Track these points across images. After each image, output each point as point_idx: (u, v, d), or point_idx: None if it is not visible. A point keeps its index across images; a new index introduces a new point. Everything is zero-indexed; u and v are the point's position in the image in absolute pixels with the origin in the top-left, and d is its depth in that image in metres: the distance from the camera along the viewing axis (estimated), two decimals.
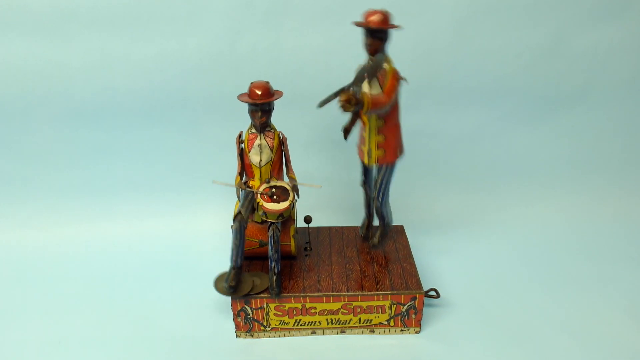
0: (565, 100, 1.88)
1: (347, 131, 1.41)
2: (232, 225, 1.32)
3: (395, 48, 1.50)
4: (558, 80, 1.85)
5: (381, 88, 1.26)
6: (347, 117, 1.36)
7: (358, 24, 1.24)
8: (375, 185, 1.42)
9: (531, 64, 1.81)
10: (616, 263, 1.68)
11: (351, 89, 1.20)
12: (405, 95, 1.76)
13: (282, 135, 1.39)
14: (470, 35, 1.76)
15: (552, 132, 1.93)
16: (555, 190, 1.98)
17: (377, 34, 1.23)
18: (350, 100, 1.16)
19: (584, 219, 1.91)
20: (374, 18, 1.21)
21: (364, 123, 1.35)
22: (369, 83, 1.28)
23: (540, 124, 1.92)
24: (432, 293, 1.47)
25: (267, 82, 1.31)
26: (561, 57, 1.81)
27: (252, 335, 1.40)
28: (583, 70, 1.83)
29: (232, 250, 1.33)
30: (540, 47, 1.79)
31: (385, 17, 1.22)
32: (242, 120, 1.39)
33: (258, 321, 1.37)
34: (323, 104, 1.19)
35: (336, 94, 1.19)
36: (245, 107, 1.33)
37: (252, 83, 1.31)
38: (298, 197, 1.38)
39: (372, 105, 1.20)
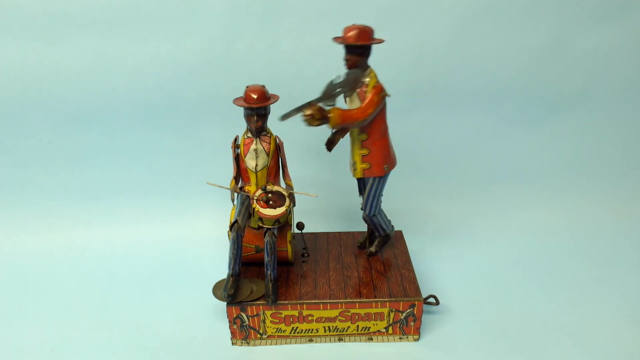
0: (565, 103, 1.88)
1: (330, 143, 1.39)
2: (229, 233, 1.30)
3: (392, 51, 1.49)
4: (558, 83, 1.84)
5: (361, 102, 1.24)
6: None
7: (336, 40, 1.24)
8: (363, 196, 1.41)
9: (531, 66, 1.81)
10: (617, 267, 1.67)
11: (318, 103, 1.19)
12: (403, 100, 1.75)
13: (279, 140, 1.37)
14: (469, 37, 1.75)
15: (552, 135, 1.93)
16: (555, 194, 1.97)
17: (354, 50, 1.22)
18: (314, 115, 1.14)
19: (584, 223, 1.90)
20: (350, 34, 1.20)
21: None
22: (349, 97, 1.27)
23: (540, 127, 1.92)
24: (431, 300, 1.46)
25: (263, 86, 1.29)
26: (561, 59, 1.80)
27: (248, 343, 1.38)
28: (583, 72, 1.82)
29: (230, 259, 1.31)
30: (540, 49, 1.78)
31: (362, 33, 1.20)
32: (239, 124, 1.38)
33: (254, 329, 1.35)
34: (285, 117, 1.17)
35: (300, 108, 1.17)
36: (241, 110, 1.32)
37: (247, 87, 1.29)
38: (294, 205, 1.36)
39: (341, 121, 1.19)
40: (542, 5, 1.71)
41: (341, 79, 1.22)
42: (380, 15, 1.61)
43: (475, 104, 1.86)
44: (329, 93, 1.20)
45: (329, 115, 1.18)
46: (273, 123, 1.37)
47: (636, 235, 1.84)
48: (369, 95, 1.23)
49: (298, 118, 1.21)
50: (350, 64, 1.24)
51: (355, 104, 1.26)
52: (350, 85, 1.22)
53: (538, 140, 1.93)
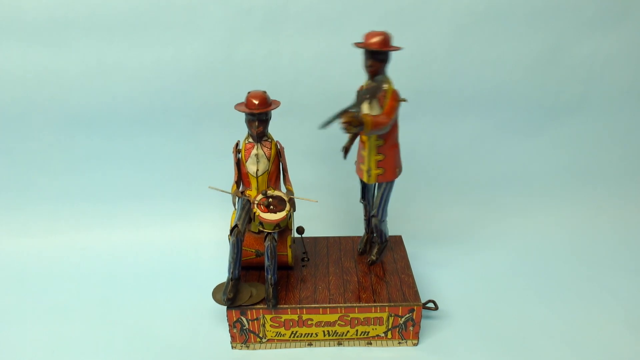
0: (564, 110, 1.88)
1: (346, 150, 1.41)
2: (229, 237, 1.31)
3: (393, 56, 1.50)
4: (556, 90, 1.85)
5: (381, 109, 1.26)
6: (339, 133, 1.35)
7: (358, 45, 1.24)
8: (375, 202, 1.42)
9: (529, 73, 1.81)
10: (614, 273, 1.68)
11: (353, 110, 1.20)
12: (403, 105, 1.75)
13: (280, 145, 1.38)
14: (468, 44, 1.76)
15: (551, 141, 1.93)
16: (553, 201, 1.97)
17: (377, 56, 1.23)
18: (352, 122, 1.16)
19: (582, 230, 1.90)
20: (375, 40, 1.21)
21: (362, 142, 1.35)
22: (370, 104, 1.28)
23: (538, 134, 1.92)
24: (430, 305, 1.46)
25: (264, 92, 1.30)
26: (559, 66, 1.81)
27: (247, 347, 1.38)
28: (581, 79, 1.83)
29: (230, 263, 1.32)
30: (538, 57, 1.79)
31: (386, 39, 1.22)
32: (240, 128, 1.38)
33: (254, 332, 1.36)
34: (325, 125, 1.19)
35: (338, 115, 1.18)
36: (242, 115, 1.33)
37: (249, 93, 1.30)
38: (294, 210, 1.37)
39: (373, 126, 1.20)
40: (540, 13, 1.72)
41: (371, 86, 1.24)
42: (381, 22, 1.61)
43: (474, 111, 1.87)
44: (360, 100, 1.23)
45: (363, 121, 1.19)
46: (274, 128, 1.38)
47: (634, 241, 1.85)
48: (388, 101, 1.25)
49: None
50: (374, 70, 1.24)
51: (375, 110, 1.27)
52: (372, 92, 1.24)
53: (536, 147, 1.94)
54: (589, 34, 1.76)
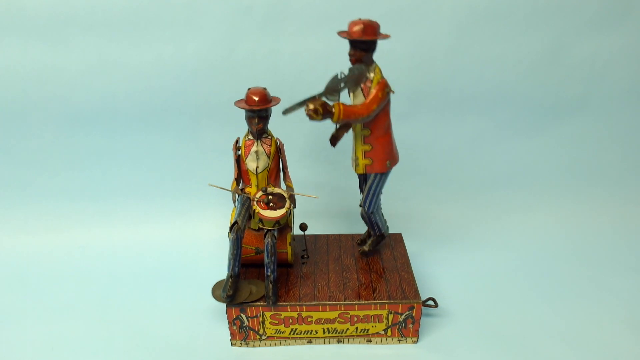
0: (565, 109, 1.89)
1: (335, 139, 1.39)
2: (229, 234, 1.31)
3: (394, 55, 1.50)
4: (557, 89, 1.85)
5: (365, 98, 1.24)
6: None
7: (340, 34, 1.23)
8: (363, 192, 1.40)
9: (530, 72, 1.82)
10: (615, 273, 1.67)
11: (322, 97, 1.18)
12: (404, 104, 1.76)
13: (280, 142, 1.38)
14: (469, 43, 1.76)
15: (551, 140, 1.94)
16: (554, 199, 1.97)
17: (358, 45, 1.21)
18: (317, 110, 1.14)
19: (583, 229, 1.90)
20: (356, 29, 1.19)
21: (352, 130, 1.34)
22: (353, 92, 1.26)
23: (539, 133, 1.92)
24: (430, 302, 1.46)
25: (265, 89, 1.30)
26: (560, 65, 1.81)
27: (247, 344, 1.38)
28: (582, 78, 1.84)
29: (230, 259, 1.32)
30: (540, 56, 1.79)
31: (367, 28, 1.19)
32: (240, 126, 1.39)
33: (254, 330, 1.36)
34: (288, 111, 1.17)
35: (303, 102, 1.17)
36: (242, 113, 1.33)
37: (249, 89, 1.30)
38: (294, 207, 1.37)
39: (344, 116, 1.18)
40: (541, 12, 1.72)
41: (345, 74, 1.21)
42: (381, 21, 1.62)
43: (475, 109, 1.87)
44: (333, 88, 1.20)
45: (332, 110, 1.17)
46: (274, 125, 1.38)
47: (634, 241, 1.85)
48: (373, 91, 1.22)
49: (302, 114, 1.20)
50: (355, 59, 1.23)
51: (360, 99, 1.25)
52: (354, 81, 1.21)
53: (537, 146, 1.94)
54: (590, 34, 1.76)
